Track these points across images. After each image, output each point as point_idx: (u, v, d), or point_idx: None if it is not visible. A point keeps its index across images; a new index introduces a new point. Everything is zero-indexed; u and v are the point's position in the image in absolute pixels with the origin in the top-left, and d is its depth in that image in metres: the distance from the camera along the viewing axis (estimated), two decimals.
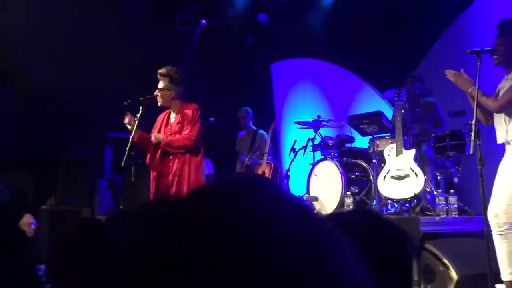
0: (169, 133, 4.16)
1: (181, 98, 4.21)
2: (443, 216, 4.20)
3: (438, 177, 4.71)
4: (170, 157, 4.11)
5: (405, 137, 4.69)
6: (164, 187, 4.05)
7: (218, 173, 6.67)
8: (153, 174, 4.19)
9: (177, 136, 4.09)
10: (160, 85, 4.14)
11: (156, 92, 4.14)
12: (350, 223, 1.03)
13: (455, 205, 4.27)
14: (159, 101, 4.15)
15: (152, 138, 4.10)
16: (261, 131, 6.75)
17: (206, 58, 7.58)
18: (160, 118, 4.30)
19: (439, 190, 4.45)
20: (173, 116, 4.24)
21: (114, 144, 6.44)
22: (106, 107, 6.42)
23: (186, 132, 4.08)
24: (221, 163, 6.98)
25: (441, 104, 5.43)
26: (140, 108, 4.07)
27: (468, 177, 4.54)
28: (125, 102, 4.09)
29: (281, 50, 7.73)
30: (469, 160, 4.55)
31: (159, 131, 4.22)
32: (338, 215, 1.17)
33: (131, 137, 3.97)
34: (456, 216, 4.25)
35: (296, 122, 5.76)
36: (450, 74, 3.45)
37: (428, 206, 4.45)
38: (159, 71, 4.16)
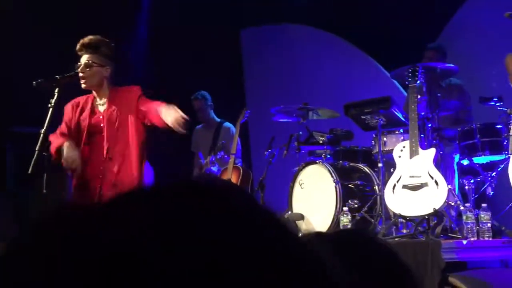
0: (100, 124, 4.10)
1: (112, 80, 4.22)
2: (472, 239, 4.24)
3: (466, 187, 4.76)
4: (105, 156, 4.07)
5: (422, 132, 4.72)
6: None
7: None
8: (74, 182, 4.13)
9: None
10: (85, 59, 4.08)
11: (82, 68, 4.07)
12: (334, 246, 1.04)
13: (489, 224, 4.32)
14: (85, 81, 4.10)
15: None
16: (227, 124, 6.70)
17: (149, 23, 7.49)
18: (71, 107, 4.22)
19: (467, 204, 4.50)
20: (101, 102, 4.20)
21: (19, 142, 6.31)
22: (8, 90, 6.30)
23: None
24: (167, 169, 6.90)
25: (470, 87, 5.50)
26: (56, 90, 3.99)
27: (506, 187, 4.60)
28: (34, 83, 4.01)
29: (254, 12, 7.70)
30: (508, 163, 4.61)
31: (76, 124, 4.15)
32: (320, 236, 1.18)
33: (42, 131, 3.89)
34: (490, 239, 4.30)
35: (274, 111, 5.74)
36: None
37: (453, 225, 4.49)
38: (84, 40, 4.11)
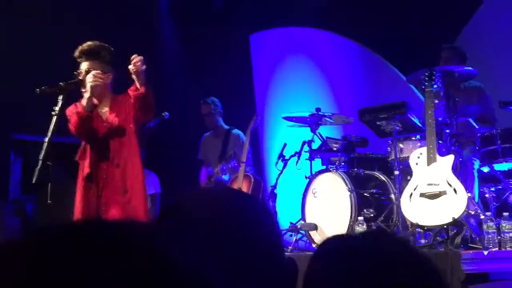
0: (105, 131, 4.17)
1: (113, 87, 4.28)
2: (493, 249, 4.20)
3: (487, 195, 4.73)
4: (111, 163, 4.11)
5: (440, 138, 4.70)
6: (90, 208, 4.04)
7: (169, 194, 6.59)
8: (78, 192, 4.15)
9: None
10: (85, 66, 4.12)
11: (83, 76, 4.11)
12: (360, 252, 1.03)
13: (511, 234, 4.28)
14: (86, 90, 4.12)
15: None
16: (236, 131, 6.70)
17: (155, 29, 7.51)
18: (75, 106, 4.22)
19: (488, 213, 4.46)
20: (103, 110, 4.25)
21: (24, 150, 6.34)
22: (11, 97, 6.34)
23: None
24: (177, 178, 6.89)
25: (489, 91, 5.47)
26: (60, 97, 4.01)
27: None
28: (37, 90, 4.04)
29: (264, 16, 7.71)
30: None
31: None
32: (343, 240, 1.18)
33: (46, 139, 3.90)
34: None
35: (285, 118, 5.73)
36: None
37: (473, 235, 4.45)
38: (83, 47, 4.16)
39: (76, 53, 4.16)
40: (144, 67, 4.00)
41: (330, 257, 1.07)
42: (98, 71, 4.11)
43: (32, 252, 0.54)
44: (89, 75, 4.10)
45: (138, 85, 3.99)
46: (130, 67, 3.97)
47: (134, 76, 3.99)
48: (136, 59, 3.97)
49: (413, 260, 1.04)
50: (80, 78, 4.12)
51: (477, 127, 5.04)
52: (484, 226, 4.32)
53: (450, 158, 4.54)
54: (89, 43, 4.17)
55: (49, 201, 4.15)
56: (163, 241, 0.60)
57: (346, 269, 1.02)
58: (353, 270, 1.01)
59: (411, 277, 1.01)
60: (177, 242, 0.61)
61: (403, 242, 1.13)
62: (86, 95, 4.09)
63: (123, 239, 0.57)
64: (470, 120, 5.04)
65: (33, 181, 3.83)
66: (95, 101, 4.17)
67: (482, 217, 4.45)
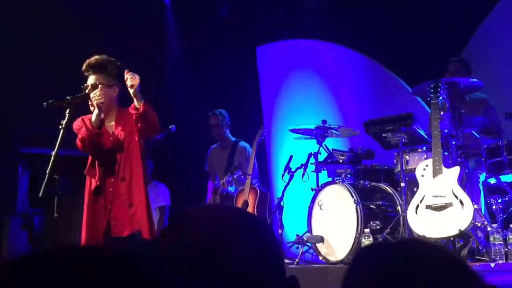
0: (111, 145, 4.17)
1: (119, 101, 4.30)
2: (500, 261, 4.19)
3: (494, 207, 4.72)
4: (116, 177, 4.11)
5: (446, 150, 4.70)
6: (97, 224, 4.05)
7: (178, 205, 6.61)
8: (86, 205, 4.17)
9: None
10: (92, 80, 4.15)
11: (89, 90, 4.13)
12: (398, 258, 1.04)
13: None
14: (92, 103, 4.14)
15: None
16: (243, 144, 6.71)
17: (162, 41, 7.56)
18: (81, 120, 4.25)
19: (495, 225, 4.45)
20: (109, 124, 4.27)
21: (31, 164, 6.37)
22: (19, 110, 6.39)
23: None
24: (186, 189, 6.91)
25: (495, 102, 5.47)
26: (67, 111, 4.04)
27: None
28: (45, 104, 4.07)
29: (270, 28, 7.74)
30: None
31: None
32: (380, 248, 1.20)
33: (53, 153, 3.93)
34: None
35: (292, 130, 5.75)
36: None
37: (480, 247, 4.44)
38: (90, 60, 4.20)
39: (83, 67, 4.20)
40: (138, 78, 4.04)
41: (368, 265, 1.08)
42: (99, 89, 4.14)
43: (33, 272, 0.55)
44: (92, 93, 4.12)
45: (136, 103, 4.03)
46: (127, 82, 4.03)
47: (131, 93, 4.03)
48: (128, 74, 4.03)
49: (451, 264, 1.05)
50: (87, 92, 4.16)
51: (479, 138, 5.04)
52: (491, 238, 4.31)
53: (456, 169, 4.54)
54: (96, 57, 4.21)
55: (55, 214, 4.16)
56: (163, 262, 0.61)
57: (385, 276, 1.03)
58: (391, 276, 1.02)
59: (451, 281, 1.02)
60: (176, 263, 0.63)
61: (440, 247, 1.14)
62: (95, 112, 4.12)
63: (124, 264, 0.58)
64: (473, 131, 5.04)
65: (40, 195, 3.85)
66: (101, 115, 4.20)
67: (489, 228, 4.44)
